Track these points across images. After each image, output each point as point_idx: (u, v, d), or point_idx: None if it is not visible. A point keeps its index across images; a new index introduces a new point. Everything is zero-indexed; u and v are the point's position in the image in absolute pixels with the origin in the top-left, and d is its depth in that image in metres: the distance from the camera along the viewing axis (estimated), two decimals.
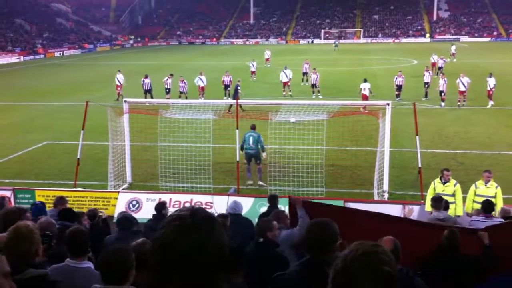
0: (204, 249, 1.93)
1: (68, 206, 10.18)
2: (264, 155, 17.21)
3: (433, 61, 45.82)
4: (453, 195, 11.97)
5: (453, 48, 59.71)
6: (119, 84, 35.09)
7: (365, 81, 30.31)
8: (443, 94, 30.41)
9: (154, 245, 1.99)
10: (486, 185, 12.15)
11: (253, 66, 44.67)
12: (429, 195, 12.29)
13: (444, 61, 44.23)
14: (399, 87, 32.55)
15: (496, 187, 12.11)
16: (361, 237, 2.36)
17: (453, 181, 12.31)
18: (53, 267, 5.15)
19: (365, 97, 29.80)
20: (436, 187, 12.35)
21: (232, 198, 14.40)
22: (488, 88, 30.10)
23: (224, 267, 2.01)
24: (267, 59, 57.54)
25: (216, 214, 9.27)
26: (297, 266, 4.74)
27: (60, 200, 10.19)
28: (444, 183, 12.22)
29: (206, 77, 34.49)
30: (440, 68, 41.20)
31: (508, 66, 48.31)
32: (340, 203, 14.09)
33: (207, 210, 2.14)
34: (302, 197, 9.63)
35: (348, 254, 2.14)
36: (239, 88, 28.80)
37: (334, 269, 2.14)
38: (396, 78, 32.83)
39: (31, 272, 4.28)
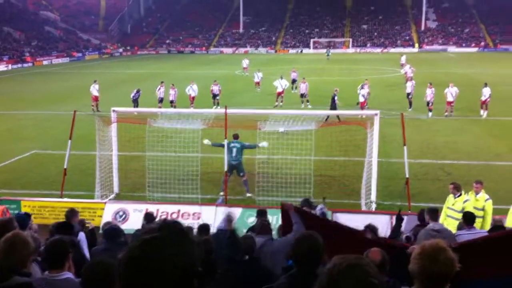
0: (171, 263, 1.92)
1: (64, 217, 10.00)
2: (265, 144, 16.85)
3: (405, 70, 47.16)
4: (461, 211, 11.82)
5: (402, 58, 60.21)
6: (96, 95, 34.00)
7: (363, 87, 30.83)
8: (430, 104, 30.59)
9: (123, 258, 1.97)
10: (475, 197, 12.15)
11: (258, 76, 43.96)
12: (444, 208, 12.29)
13: (412, 70, 44.48)
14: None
15: (486, 200, 12.03)
16: (345, 250, 2.37)
17: (484, 196, 12.09)
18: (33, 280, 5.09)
19: (362, 104, 30.23)
20: (448, 200, 12.31)
21: (220, 209, 14.38)
22: (483, 98, 30.28)
23: (193, 282, 1.99)
24: (245, 68, 58.28)
25: (196, 229, 9.21)
26: (285, 278, 4.72)
27: (73, 212, 9.95)
28: (454, 197, 12.12)
29: (197, 86, 34.50)
30: (411, 78, 41.38)
31: (495, 76, 48.72)
32: (328, 213, 14.09)
33: (185, 222, 2.12)
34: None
35: (333, 267, 2.14)
36: (336, 98, 28.95)
37: (320, 284, 2.13)
38: (363, 87, 32.64)
39: (17, 280, 4.37)
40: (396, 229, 10.04)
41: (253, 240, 7.16)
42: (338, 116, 23.60)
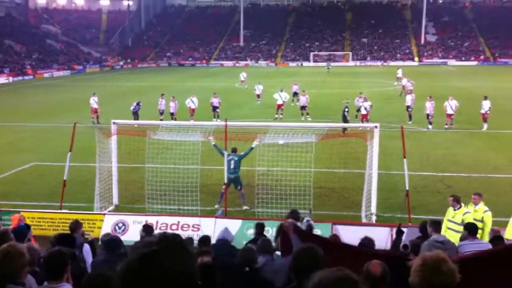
0: (170, 277, 1.90)
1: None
2: (256, 142, 16.99)
3: (403, 83, 47.78)
4: (463, 223, 11.83)
5: (399, 71, 60.31)
6: (96, 107, 34.15)
7: (365, 100, 30.99)
8: (430, 117, 30.67)
9: (121, 270, 1.96)
10: (474, 208, 12.16)
11: (258, 89, 44.19)
12: (444, 220, 12.30)
13: (412, 83, 44.76)
14: (358, 109, 32.72)
15: (485, 212, 12.04)
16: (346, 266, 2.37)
17: (483, 208, 12.11)
18: None
19: (364, 117, 30.36)
20: (448, 213, 12.32)
21: (220, 221, 14.36)
22: (483, 111, 30.36)
23: None
24: (242, 81, 58.72)
25: (197, 241, 9.19)
26: None
27: (77, 224, 9.92)
28: (454, 210, 12.13)
29: (197, 98, 34.61)
30: (410, 91, 41.53)
31: (495, 89, 48.82)
32: (328, 225, 14.09)
33: (184, 234, 2.11)
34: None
35: (318, 282, 2.14)
36: (347, 110, 29.09)
37: None
38: (358, 100, 32.95)
39: (10, 287, 4.46)
40: (396, 243, 10.00)
41: (253, 252, 7.14)
42: (344, 129, 23.77)
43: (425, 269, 3.07)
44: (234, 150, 17.14)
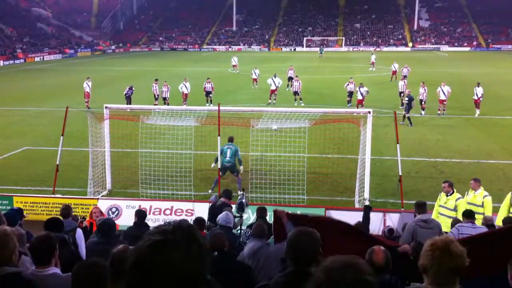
0: (179, 269, 1.85)
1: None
2: (241, 168, 17.07)
3: (393, 69, 48.35)
4: (455, 209, 11.93)
5: (372, 57, 61.52)
6: (88, 92, 33.81)
7: (361, 85, 31.12)
8: (423, 102, 30.72)
9: (130, 258, 1.91)
10: (474, 193, 12.23)
11: (255, 73, 44.22)
12: (436, 206, 12.51)
13: (408, 70, 45.26)
14: (350, 94, 33.65)
15: (485, 196, 12.10)
16: (343, 249, 2.35)
17: (482, 193, 12.17)
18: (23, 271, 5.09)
19: (359, 102, 30.56)
20: (440, 199, 12.41)
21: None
22: (476, 98, 30.43)
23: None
24: (234, 65, 58.72)
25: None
26: (280, 277, 4.56)
27: (67, 209, 9.92)
28: (447, 195, 12.22)
29: (190, 83, 34.49)
30: (404, 77, 41.80)
31: (488, 75, 48.94)
32: (321, 210, 14.12)
33: (177, 219, 2.06)
34: (285, 207, 9.58)
35: (329, 266, 2.12)
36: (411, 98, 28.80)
37: (316, 282, 2.11)
38: (348, 85, 33.90)
39: (6, 269, 4.46)
40: (365, 217, 10.86)
41: (221, 236, 7.10)
42: (409, 118, 26.40)
43: (436, 251, 3.08)
44: (231, 139, 17.05)
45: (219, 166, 16.28)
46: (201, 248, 1.94)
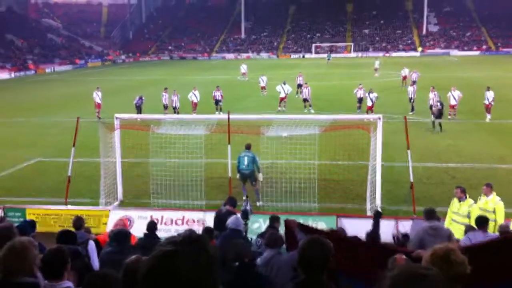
0: (182, 278, 1.90)
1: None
2: (260, 176, 16.94)
3: (404, 74, 47.92)
4: (468, 216, 11.83)
5: (376, 63, 61.47)
6: (99, 102, 34.07)
7: (371, 91, 31.08)
8: (433, 107, 30.54)
9: (142, 268, 1.96)
10: (486, 199, 12.13)
11: (263, 81, 44.36)
12: (449, 212, 12.41)
13: (418, 74, 45.05)
14: (360, 100, 33.60)
15: (497, 202, 12.03)
16: (355, 264, 2.34)
17: (495, 198, 12.08)
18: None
19: (369, 108, 30.53)
20: (453, 205, 12.32)
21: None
22: (487, 102, 30.29)
23: None
24: (243, 73, 58.72)
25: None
26: (292, 285, 4.60)
27: (80, 221, 9.92)
28: (459, 201, 12.13)
29: (199, 92, 34.58)
30: (414, 82, 41.62)
31: (498, 79, 48.67)
32: (333, 218, 14.08)
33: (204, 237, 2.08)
34: (296, 215, 9.54)
35: (398, 275, 2.12)
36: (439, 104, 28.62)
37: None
38: (357, 91, 33.93)
39: (26, 279, 4.51)
40: (375, 224, 10.60)
41: (243, 246, 7.11)
42: (440, 124, 26.82)
43: (435, 260, 3.06)
44: (248, 147, 16.99)
45: (237, 175, 16.33)
46: (210, 258, 1.99)
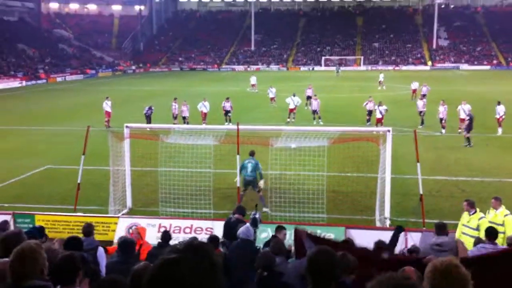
0: (188, 284, 1.92)
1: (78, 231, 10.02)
2: (261, 182, 17.03)
3: (413, 87, 48.58)
4: (478, 228, 11.78)
5: (381, 76, 61.68)
6: (109, 111, 34.31)
7: (380, 104, 31.09)
8: (443, 121, 30.54)
9: (146, 275, 1.99)
10: (495, 212, 12.08)
11: (272, 92, 44.61)
12: (459, 225, 12.34)
13: (428, 88, 44.95)
14: (369, 112, 33.87)
15: (506, 215, 11.93)
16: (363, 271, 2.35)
17: (504, 211, 12.00)
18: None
19: (379, 121, 30.50)
20: (463, 218, 12.26)
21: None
22: (498, 116, 30.23)
23: None
24: (253, 85, 58.91)
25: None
26: None
27: (90, 227, 9.94)
28: (469, 214, 12.09)
29: (209, 103, 34.74)
30: (424, 95, 41.57)
31: (509, 94, 48.38)
32: (341, 229, 14.03)
33: (197, 237, 2.11)
34: (305, 225, 9.54)
35: (379, 285, 2.13)
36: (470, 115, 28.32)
37: None
38: (367, 103, 34.16)
39: (35, 282, 4.49)
40: (394, 238, 10.27)
41: (270, 256, 7.15)
42: (468, 138, 26.55)
43: (435, 275, 3.04)
44: (252, 154, 17.19)
45: (238, 183, 16.38)
46: (212, 265, 2.01)
